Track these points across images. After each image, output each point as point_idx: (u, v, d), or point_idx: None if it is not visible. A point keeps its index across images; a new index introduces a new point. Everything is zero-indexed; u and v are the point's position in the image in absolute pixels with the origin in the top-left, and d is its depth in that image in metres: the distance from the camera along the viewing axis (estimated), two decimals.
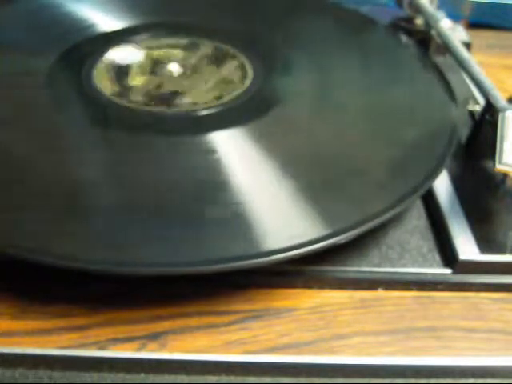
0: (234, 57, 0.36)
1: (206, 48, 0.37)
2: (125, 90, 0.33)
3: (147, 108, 0.32)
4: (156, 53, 0.36)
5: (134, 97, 0.32)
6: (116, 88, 0.33)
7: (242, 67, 0.35)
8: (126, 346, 0.25)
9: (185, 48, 0.37)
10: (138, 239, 0.26)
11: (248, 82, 0.34)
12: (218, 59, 0.36)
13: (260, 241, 0.25)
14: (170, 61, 0.35)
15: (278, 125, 0.31)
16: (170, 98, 0.33)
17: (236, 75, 0.34)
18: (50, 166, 0.28)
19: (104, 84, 0.33)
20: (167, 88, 0.33)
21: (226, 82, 0.34)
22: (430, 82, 0.37)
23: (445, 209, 0.31)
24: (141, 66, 0.35)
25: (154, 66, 0.35)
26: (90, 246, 0.25)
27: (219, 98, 0.33)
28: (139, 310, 0.27)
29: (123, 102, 0.32)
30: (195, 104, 0.32)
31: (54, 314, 0.26)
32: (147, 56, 0.36)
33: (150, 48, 0.37)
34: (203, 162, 0.29)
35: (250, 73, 0.35)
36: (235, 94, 0.33)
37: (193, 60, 0.36)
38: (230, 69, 0.35)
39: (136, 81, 0.34)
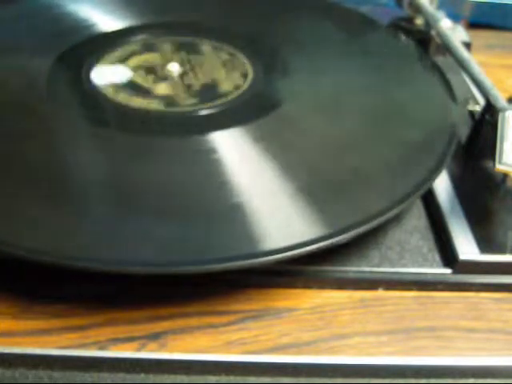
0: (235, 59, 0.36)
1: (210, 50, 0.37)
2: (169, 100, 0.32)
3: (147, 108, 0.32)
4: (137, 60, 0.36)
5: (184, 102, 0.32)
6: (157, 102, 0.32)
7: (242, 67, 0.35)
8: (126, 345, 0.25)
9: (188, 48, 0.37)
10: (137, 239, 0.26)
11: (248, 82, 0.34)
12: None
13: (260, 241, 0.25)
14: (163, 64, 0.35)
15: (278, 125, 0.31)
16: (209, 90, 0.33)
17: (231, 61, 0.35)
18: (50, 166, 0.28)
19: (141, 102, 0.32)
20: (197, 84, 0.33)
21: (233, 65, 0.34)
22: (430, 82, 0.37)
23: (445, 209, 0.31)
24: (140, 77, 0.35)
25: (153, 72, 0.35)
26: (89, 246, 0.25)
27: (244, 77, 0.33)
28: (139, 310, 0.27)
29: (125, 102, 0.32)
30: (238, 87, 0.33)
31: (54, 314, 0.26)
32: (134, 67, 0.35)
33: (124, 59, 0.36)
34: (203, 162, 0.29)
35: (250, 73, 0.35)
36: (235, 94, 0.33)
37: (193, 61, 0.36)
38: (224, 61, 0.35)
39: (162, 90, 0.33)
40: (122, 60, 0.36)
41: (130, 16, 0.40)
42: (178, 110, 0.32)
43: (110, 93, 0.33)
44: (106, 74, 0.34)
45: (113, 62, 0.35)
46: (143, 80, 0.34)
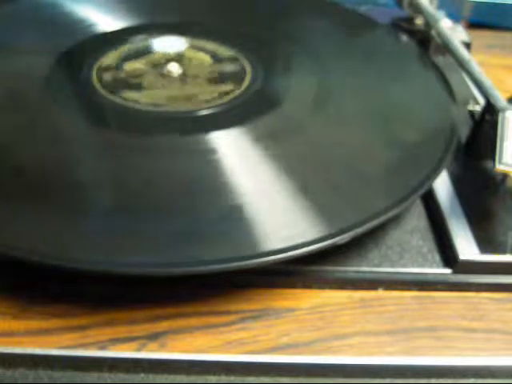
0: (235, 59, 0.36)
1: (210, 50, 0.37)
2: (113, 68, 0.33)
3: (147, 108, 0.32)
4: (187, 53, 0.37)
5: (107, 75, 0.33)
6: (111, 63, 0.33)
7: (242, 67, 0.35)
8: (126, 346, 0.25)
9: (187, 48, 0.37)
10: (137, 239, 0.26)
11: (248, 82, 0.34)
12: (219, 61, 0.36)
13: (260, 241, 0.25)
14: (167, 62, 0.35)
15: (278, 125, 0.31)
16: (124, 87, 0.33)
17: (235, 68, 0.34)
18: (50, 166, 0.28)
19: (108, 58, 0.33)
20: (138, 80, 0.34)
21: (187, 98, 0.34)
22: (430, 82, 0.37)
23: (445, 209, 0.31)
24: (156, 57, 0.35)
25: (156, 69, 0.35)
26: (89, 247, 0.25)
27: (234, 90, 0.33)
28: (139, 310, 0.27)
29: (125, 102, 0.32)
30: (128, 100, 0.32)
31: (54, 314, 0.26)
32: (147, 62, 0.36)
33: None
34: (203, 162, 0.29)
35: (250, 73, 0.35)
36: (235, 94, 0.33)
37: (194, 61, 0.36)
38: (226, 64, 0.35)
39: (130, 65, 0.34)
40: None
41: (130, 16, 0.40)
42: (178, 110, 0.32)
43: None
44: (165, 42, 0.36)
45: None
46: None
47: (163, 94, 0.33)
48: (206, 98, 0.33)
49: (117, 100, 0.32)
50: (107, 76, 0.33)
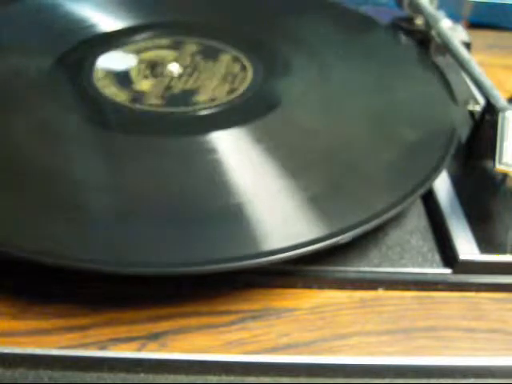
0: (235, 59, 0.36)
1: (195, 46, 0.37)
2: (138, 96, 0.33)
3: (147, 108, 0.32)
4: (148, 54, 0.36)
5: (149, 101, 0.32)
6: (126, 95, 0.33)
7: (242, 67, 0.35)
8: (126, 346, 0.25)
9: (176, 47, 0.37)
10: (137, 239, 0.26)
11: (248, 82, 0.34)
12: (212, 56, 0.36)
13: (260, 241, 0.25)
14: (167, 62, 0.35)
15: (278, 125, 0.31)
16: (185, 97, 0.33)
17: (236, 68, 0.34)
18: (50, 166, 0.28)
19: (112, 91, 0.33)
20: (178, 88, 0.33)
21: (232, 75, 0.34)
22: (430, 82, 0.37)
23: (445, 209, 0.31)
24: (138, 69, 0.35)
25: (153, 68, 0.35)
26: (90, 247, 0.25)
27: (232, 91, 0.33)
28: (139, 309, 0.27)
29: (123, 101, 0.32)
30: (213, 100, 0.32)
31: (54, 314, 0.26)
32: (141, 60, 0.36)
33: (139, 51, 0.37)
34: (203, 162, 0.29)
35: (250, 73, 0.35)
36: (235, 94, 0.33)
37: (189, 59, 0.36)
38: (227, 64, 0.35)
39: (143, 85, 0.34)
40: (139, 51, 0.36)
41: (130, 16, 0.40)
42: (177, 109, 0.32)
43: (122, 100, 0.32)
44: (113, 59, 0.35)
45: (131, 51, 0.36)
46: (137, 72, 0.34)
47: (140, 89, 0.33)
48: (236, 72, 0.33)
49: (117, 100, 0.32)
50: (152, 101, 0.32)
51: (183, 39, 0.38)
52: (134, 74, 0.35)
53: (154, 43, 0.37)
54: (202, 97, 0.32)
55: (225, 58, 0.36)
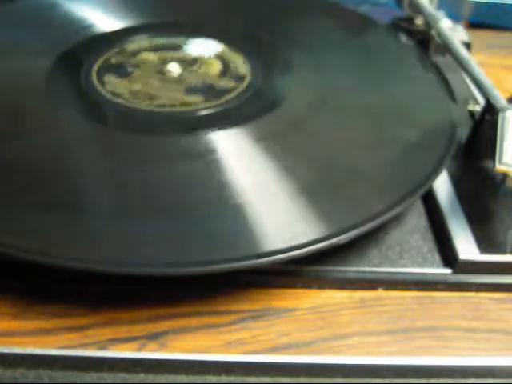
0: (235, 59, 0.36)
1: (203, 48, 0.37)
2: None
3: (147, 108, 0.32)
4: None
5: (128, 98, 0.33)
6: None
7: (242, 67, 0.35)
8: (126, 346, 0.25)
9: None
10: (137, 240, 0.26)
11: (248, 82, 0.34)
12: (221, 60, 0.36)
13: (260, 241, 0.25)
14: (169, 61, 0.35)
15: (278, 125, 0.31)
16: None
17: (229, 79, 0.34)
18: (50, 166, 0.28)
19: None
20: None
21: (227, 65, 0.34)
22: (430, 82, 0.37)
23: (445, 209, 0.31)
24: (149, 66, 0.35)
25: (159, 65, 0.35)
26: (89, 247, 0.25)
27: (223, 73, 0.33)
28: (139, 309, 0.27)
29: (123, 101, 0.32)
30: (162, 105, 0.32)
31: (54, 314, 0.26)
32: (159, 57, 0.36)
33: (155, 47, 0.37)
34: (203, 162, 0.29)
35: (250, 73, 0.35)
36: (235, 94, 0.33)
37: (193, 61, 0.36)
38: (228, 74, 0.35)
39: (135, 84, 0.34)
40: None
41: (130, 16, 0.40)
42: (180, 109, 0.32)
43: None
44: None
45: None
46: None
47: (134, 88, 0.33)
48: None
49: (117, 100, 0.32)
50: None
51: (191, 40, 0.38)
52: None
53: (173, 41, 0.38)
54: (162, 101, 0.32)
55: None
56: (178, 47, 0.37)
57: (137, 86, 0.33)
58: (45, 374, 0.24)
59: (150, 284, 0.27)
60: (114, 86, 0.33)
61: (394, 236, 0.30)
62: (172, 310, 0.27)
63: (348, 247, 0.29)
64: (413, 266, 0.29)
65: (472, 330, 0.27)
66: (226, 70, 0.35)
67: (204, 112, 0.32)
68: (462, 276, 0.29)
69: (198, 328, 0.26)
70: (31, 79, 0.33)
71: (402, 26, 0.44)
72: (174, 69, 0.35)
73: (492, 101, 0.32)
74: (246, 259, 0.25)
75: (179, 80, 0.34)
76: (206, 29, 0.39)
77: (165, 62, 0.35)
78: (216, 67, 0.35)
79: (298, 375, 0.25)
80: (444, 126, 0.33)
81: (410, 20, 0.45)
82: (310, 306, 0.27)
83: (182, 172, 0.28)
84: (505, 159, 0.28)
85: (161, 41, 0.38)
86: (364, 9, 0.46)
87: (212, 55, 0.36)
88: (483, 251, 0.29)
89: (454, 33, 0.41)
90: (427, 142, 0.31)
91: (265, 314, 0.27)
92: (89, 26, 0.39)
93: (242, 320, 0.27)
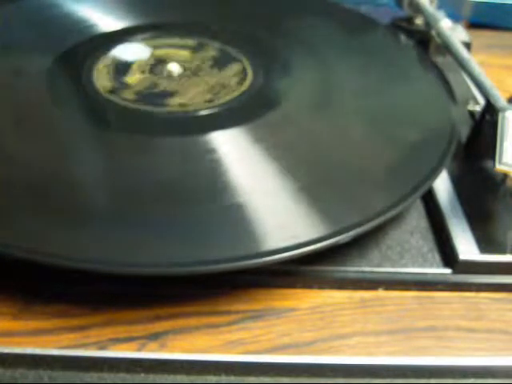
0: (236, 60, 0.36)
1: (211, 50, 0.37)
2: (119, 87, 0.33)
3: (147, 108, 0.32)
4: (160, 52, 0.36)
5: (125, 94, 0.32)
6: (111, 84, 0.33)
7: (242, 67, 0.35)
8: (126, 345, 0.25)
9: (190, 49, 0.37)
10: (137, 240, 0.26)
11: (248, 82, 0.34)
12: (220, 62, 0.36)
13: (260, 241, 0.25)
14: (173, 61, 0.35)
15: (278, 125, 0.31)
16: (159, 97, 0.33)
17: (235, 78, 0.34)
18: (50, 166, 0.28)
19: (101, 80, 0.33)
20: (160, 88, 0.33)
21: (222, 86, 0.33)
22: (430, 82, 0.37)
23: (445, 209, 0.31)
24: (142, 64, 0.35)
25: (156, 65, 0.35)
26: (89, 247, 0.25)
27: (210, 101, 0.32)
28: (139, 310, 0.27)
29: (120, 100, 0.32)
30: (184, 105, 0.32)
31: (54, 314, 0.26)
32: (152, 55, 0.36)
33: (156, 47, 0.37)
34: (203, 162, 0.29)
35: (250, 73, 0.35)
36: (235, 94, 0.33)
37: (195, 62, 0.36)
38: (230, 72, 0.35)
39: (133, 79, 0.34)
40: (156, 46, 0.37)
41: (130, 16, 0.40)
42: (177, 110, 0.32)
43: (103, 88, 0.33)
44: (129, 49, 0.36)
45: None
46: (137, 66, 0.34)
47: (199, 89, 0.33)
48: (235, 81, 0.33)
49: (116, 100, 0.32)
50: (126, 95, 0.32)
51: (207, 42, 0.38)
52: (134, 68, 0.35)
53: (174, 42, 0.38)
54: (176, 100, 0.32)
55: (232, 70, 0.36)
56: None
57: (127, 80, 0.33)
58: (45, 374, 0.24)
59: (150, 284, 0.27)
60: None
61: (394, 236, 0.30)
62: (172, 310, 0.27)
63: (348, 247, 0.29)
64: (413, 266, 0.29)
65: (472, 330, 0.27)
66: (226, 74, 0.35)
67: (204, 112, 0.32)
68: (462, 276, 0.29)
69: (198, 328, 0.26)
70: (31, 79, 0.33)
71: (402, 26, 0.44)
72: (174, 69, 0.35)
73: (492, 101, 0.32)
74: (245, 259, 0.25)
75: (169, 80, 0.34)
76: (205, 29, 0.39)
77: (168, 61, 0.35)
78: (218, 71, 0.35)
79: (297, 375, 0.25)
80: (444, 125, 0.33)
81: (410, 20, 0.45)
82: (310, 306, 0.27)
83: (182, 172, 0.28)
84: (505, 159, 0.28)
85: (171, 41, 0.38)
86: (364, 9, 0.46)
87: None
88: (483, 251, 0.29)
89: (454, 33, 0.41)
90: (427, 142, 0.31)
91: (265, 314, 0.27)
92: (89, 26, 0.39)
93: (242, 320, 0.27)
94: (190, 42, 0.38)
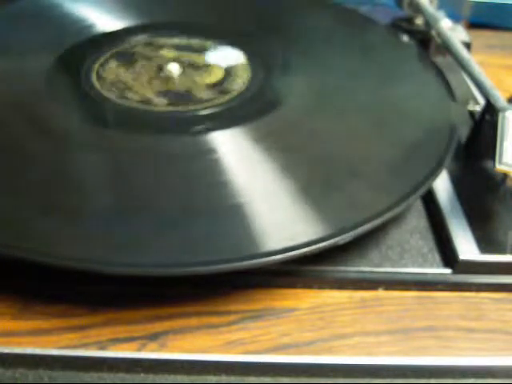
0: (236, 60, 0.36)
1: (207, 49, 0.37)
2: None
3: (147, 108, 0.32)
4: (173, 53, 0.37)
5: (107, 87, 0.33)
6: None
7: (242, 67, 0.35)
8: (126, 345, 0.25)
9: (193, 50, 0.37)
10: (137, 240, 0.26)
11: (248, 82, 0.34)
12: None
13: (260, 241, 0.25)
14: (170, 61, 0.35)
15: (278, 125, 0.31)
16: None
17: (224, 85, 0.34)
18: (50, 167, 0.28)
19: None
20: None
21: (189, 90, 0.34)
22: (430, 82, 0.37)
23: (445, 209, 0.31)
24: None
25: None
26: (89, 247, 0.25)
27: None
28: (139, 310, 0.27)
29: (123, 101, 0.32)
30: (144, 102, 0.32)
31: (54, 314, 0.26)
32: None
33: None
34: (203, 162, 0.29)
35: (250, 73, 0.35)
36: (235, 94, 0.33)
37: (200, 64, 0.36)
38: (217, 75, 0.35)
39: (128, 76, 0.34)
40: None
41: (130, 16, 0.40)
42: (177, 109, 0.32)
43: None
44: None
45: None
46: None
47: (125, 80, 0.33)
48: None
49: (116, 100, 0.32)
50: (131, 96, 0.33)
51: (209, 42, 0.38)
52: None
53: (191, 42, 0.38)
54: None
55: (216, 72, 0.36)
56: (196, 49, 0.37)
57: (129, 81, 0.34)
58: (45, 374, 0.24)
59: (150, 284, 0.27)
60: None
61: (394, 236, 0.30)
62: (172, 310, 0.27)
63: (348, 247, 0.29)
64: (413, 266, 0.29)
65: (472, 330, 0.27)
66: (221, 82, 0.35)
67: (204, 112, 0.32)
68: (462, 276, 0.29)
69: (198, 328, 0.26)
70: (31, 79, 0.33)
71: (402, 26, 0.44)
72: (174, 69, 0.35)
73: (492, 101, 0.32)
74: (245, 259, 0.25)
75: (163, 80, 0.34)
76: (206, 29, 0.39)
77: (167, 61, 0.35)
78: (216, 76, 0.35)
79: (297, 375, 0.25)
80: (444, 126, 0.33)
81: (410, 20, 0.45)
82: (310, 306, 0.27)
83: (182, 172, 0.28)
84: (505, 159, 0.28)
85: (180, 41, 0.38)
86: (364, 9, 0.46)
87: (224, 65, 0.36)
88: (483, 251, 0.29)
89: (454, 33, 0.41)
90: (427, 141, 0.31)
91: (265, 314, 0.27)
92: (89, 26, 0.39)
93: (242, 320, 0.27)
94: (195, 42, 0.38)
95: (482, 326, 0.27)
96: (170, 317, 0.26)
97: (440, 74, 0.37)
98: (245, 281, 0.28)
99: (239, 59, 0.36)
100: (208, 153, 0.29)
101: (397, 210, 0.27)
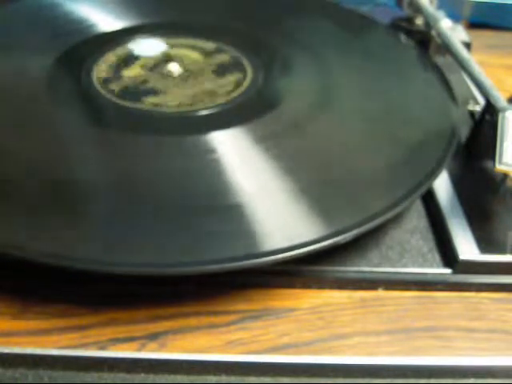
0: (236, 60, 0.36)
1: (223, 56, 0.37)
2: (113, 78, 0.33)
3: (147, 108, 0.32)
4: (173, 52, 0.36)
5: (112, 86, 0.33)
6: (107, 75, 0.33)
7: (242, 67, 0.35)
8: (126, 345, 0.25)
9: (204, 52, 0.37)
10: (137, 240, 0.26)
11: (248, 82, 0.34)
12: (223, 69, 0.36)
13: (260, 241, 0.25)
14: (181, 61, 0.35)
15: (278, 125, 0.31)
16: (141, 94, 0.33)
17: (231, 85, 0.34)
18: (50, 166, 0.28)
19: (100, 69, 0.34)
20: (149, 85, 0.33)
21: (210, 93, 0.33)
22: (430, 82, 0.37)
23: (445, 209, 0.31)
24: (148, 60, 0.35)
25: (160, 63, 0.35)
26: (90, 247, 0.25)
27: (190, 105, 0.32)
28: (139, 310, 0.27)
29: (123, 101, 0.32)
30: (157, 105, 0.32)
31: (54, 314, 0.26)
32: (164, 53, 0.36)
33: (172, 45, 0.37)
34: (203, 162, 0.29)
35: (250, 73, 0.35)
36: (235, 93, 0.33)
37: (201, 64, 0.36)
38: (230, 79, 0.35)
39: (129, 73, 0.34)
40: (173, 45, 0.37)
41: (130, 16, 0.40)
42: (177, 110, 0.32)
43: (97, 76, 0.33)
44: (147, 45, 0.37)
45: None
46: (143, 62, 0.35)
47: (185, 93, 0.33)
48: (227, 90, 0.33)
49: (116, 100, 0.32)
50: (113, 87, 0.33)
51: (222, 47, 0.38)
52: (139, 63, 0.35)
53: (190, 43, 0.38)
54: (155, 99, 0.32)
55: (232, 75, 0.36)
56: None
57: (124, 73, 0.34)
58: (45, 374, 0.24)
59: (150, 284, 0.27)
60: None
61: (394, 236, 0.30)
62: (172, 310, 0.27)
63: (348, 247, 0.29)
64: (413, 266, 0.29)
65: (472, 330, 0.27)
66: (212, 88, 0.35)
67: (204, 112, 0.32)
68: (462, 276, 0.29)
69: (198, 328, 0.26)
70: (31, 79, 0.33)
71: (402, 25, 0.44)
72: (174, 69, 0.35)
73: (492, 101, 0.32)
74: (245, 259, 0.25)
75: (161, 79, 0.34)
76: (205, 29, 0.39)
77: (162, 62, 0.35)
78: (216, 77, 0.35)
79: (298, 375, 0.25)
80: (444, 125, 0.33)
81: (410, 20, 0.45)
82: (310, 306, 0.27)
83: (182, 172, 0.28)
84: (505, 159, 0.28)
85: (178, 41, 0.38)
86: (364, 9, 0.46)
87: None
88: (483, 251, 0.29)
89: (454, 33, 0.41)
90: (427, 142, 0.31)
91: (264, 314, 0.27)
92: (89, 26, 0.39)
93: (242, 320, 0.27)
94: (207, 44, 0.38)
95: (482, 325, 0.27)
96: (169, 317, 0.26)
97: (440, 74, 0.37)
98: (244, 281, 0.28)
99: (161, 48, 0.36)
100: (208, 153, 0.29)
101: (397, 210, 0.27)
